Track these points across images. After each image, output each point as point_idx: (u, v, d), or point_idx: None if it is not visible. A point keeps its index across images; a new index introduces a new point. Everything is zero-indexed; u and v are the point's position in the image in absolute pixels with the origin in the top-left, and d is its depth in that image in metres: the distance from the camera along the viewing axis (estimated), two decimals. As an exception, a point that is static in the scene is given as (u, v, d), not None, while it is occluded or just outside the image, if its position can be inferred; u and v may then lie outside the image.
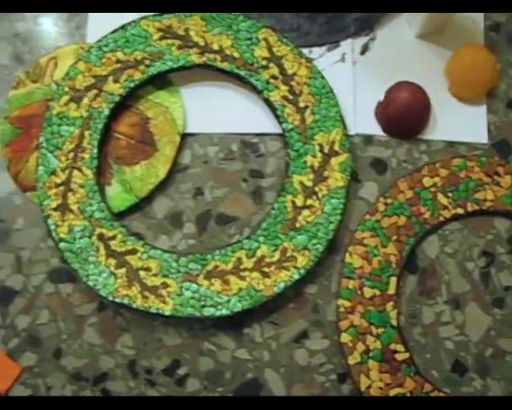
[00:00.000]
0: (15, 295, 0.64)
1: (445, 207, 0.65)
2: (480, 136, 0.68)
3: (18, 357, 0.63)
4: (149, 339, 0.63)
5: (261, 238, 0.63)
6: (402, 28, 0.71)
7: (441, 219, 0.65)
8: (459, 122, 0.68)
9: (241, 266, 0.62)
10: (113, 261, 0.62)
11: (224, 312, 0.61)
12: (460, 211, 0.65)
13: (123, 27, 0.67)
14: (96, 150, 0.65)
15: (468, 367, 0.63)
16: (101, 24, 0.69)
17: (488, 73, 0.67)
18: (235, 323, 0.64)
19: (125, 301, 0.61)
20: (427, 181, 0.66)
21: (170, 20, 0.67)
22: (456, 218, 0.66)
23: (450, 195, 0.65)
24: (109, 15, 0.69)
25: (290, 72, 0.67)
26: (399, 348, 0.62)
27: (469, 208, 0.65)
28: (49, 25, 0.71)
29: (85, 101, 0.66)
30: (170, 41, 0.67)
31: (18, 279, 0.64)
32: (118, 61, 0.66)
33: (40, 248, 0.65)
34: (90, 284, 0.62)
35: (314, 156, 0.65)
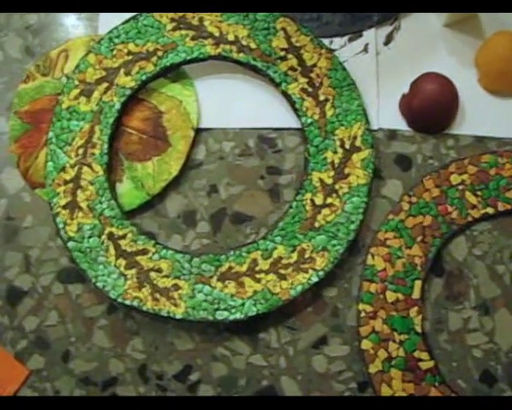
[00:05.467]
0: (23, 296, 0.62)
1: (474, 207, 0.62)
2: (512, 130, 0.65)
3: (26, 360, 0.61)
4: (161, 343, 0.61)
5: (278, 239, 0.60)
6: (428, 16, 0.67)
7: (470, 218, 0.61)
8: (489, 116, 0.65)
9: (257, 268, 0.59)
10: (123, 262, 0.60)
11: (238, 316, 0.58)
12: (490, 210, 0.62)
13: (134, 18, 0.64)
14: (106, 146, 0.62)
15: (497, 377, 0.60)
16: (113, 15, 0.66)
17: (521, 64, 0.64)
18: (250, 327, 0.61)
19: (135, 303, 0.59)
20: (454, 178, 0.62)
21: (183, 9, 0.64)
22: (485, 218, 0.62)
23: (479, 193, 0.62)
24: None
25: (310, 63, 0.63)
26: (424, 356, 0.59)
27: (500, 208, 0.62)
28: (60, 17, 0.69)
29: (96, 94, 0.63)
30: (183, 32, 0.64)
31: (26, 279, 0.62)
32: (129, 53, 0.64)
33: (49, 247, 0.63)
34: (99, 285, 0.59)
35: (334, 152, 0.62)
